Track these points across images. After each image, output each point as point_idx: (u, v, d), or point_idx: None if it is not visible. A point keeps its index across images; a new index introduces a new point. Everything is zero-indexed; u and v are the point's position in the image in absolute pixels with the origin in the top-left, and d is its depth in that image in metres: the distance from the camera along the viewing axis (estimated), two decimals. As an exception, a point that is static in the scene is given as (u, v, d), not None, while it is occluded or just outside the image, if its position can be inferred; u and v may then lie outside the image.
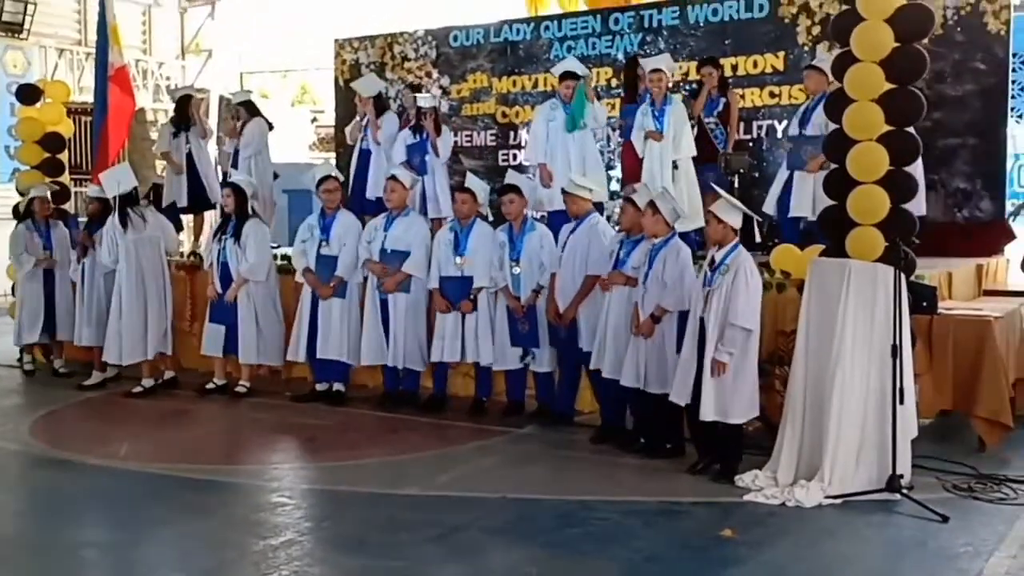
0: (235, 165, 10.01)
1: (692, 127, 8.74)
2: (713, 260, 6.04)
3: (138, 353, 8.60)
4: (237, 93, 10.90)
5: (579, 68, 8.82)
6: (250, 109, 10.25)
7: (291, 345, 8.39)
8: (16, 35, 16.49)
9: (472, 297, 7.69)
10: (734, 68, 9.93)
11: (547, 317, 7.40)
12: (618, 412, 6.92)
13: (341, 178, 8.60)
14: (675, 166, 8.46)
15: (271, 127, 10.30)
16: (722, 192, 6.48)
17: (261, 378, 8.88)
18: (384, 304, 8.03)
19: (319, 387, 8.42)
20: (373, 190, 9.12)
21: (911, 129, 5.94)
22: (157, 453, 6.95)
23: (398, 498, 5.82)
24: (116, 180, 8.59)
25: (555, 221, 8.27)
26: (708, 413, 5.95)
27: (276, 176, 10.47)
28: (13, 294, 10.55)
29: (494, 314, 7.72)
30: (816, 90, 8.15)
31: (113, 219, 8.53)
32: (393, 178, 8.15)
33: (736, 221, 6.07)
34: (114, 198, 8.53)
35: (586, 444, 6.90)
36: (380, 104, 9.56)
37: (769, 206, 8.44)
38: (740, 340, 5.90)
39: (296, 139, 22.58)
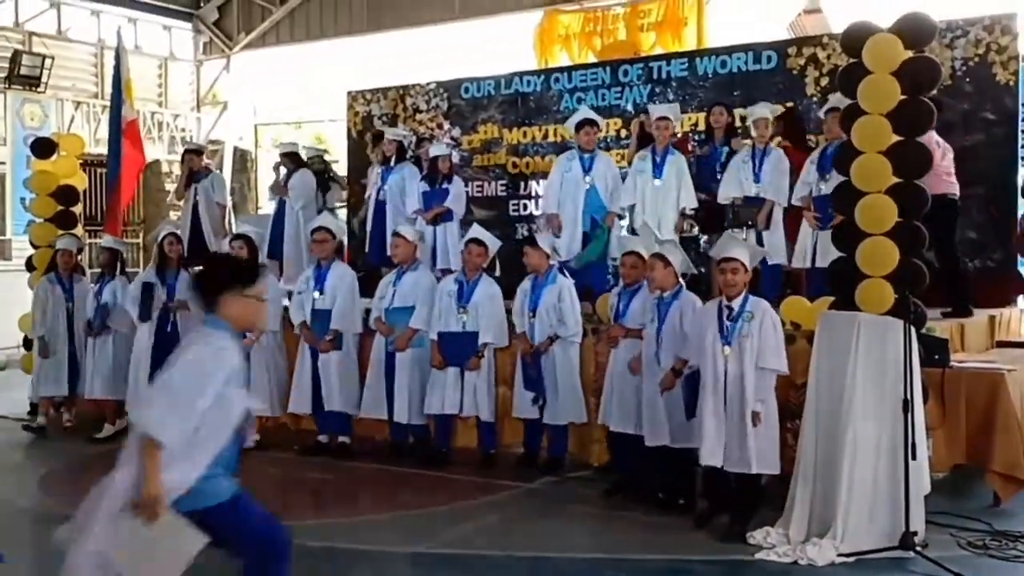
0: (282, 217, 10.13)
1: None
2: (731, 310, 5.94)
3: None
4: (284, 144, 10.98)
5: (595, 116, 8.85)
6: (295, 160, 10.35)
7: (292, 398, 8.37)
8: (33, 88, 16.69)
9: (480, 354, 7.66)
10: (743, 119, 9.94)
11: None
12: (630, 465, 6.84)
13: (335, 228, 8.63)
14: (683, 214, 8.48)
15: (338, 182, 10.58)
16: (737, 239, 6.48)
17: (269, 430, 8.85)
18: (390, 357, 7.99)
19: (321, 439, 8.38)
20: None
21: (920, 181, 5.92)
22: (163, 509, 6.88)
23: (404, 556, 5.76)
24: None
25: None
26: (753, 465, 5.81)
27: None
28: (25, 347, 10.58)
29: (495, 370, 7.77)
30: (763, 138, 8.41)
31: None
32: (396, 234, 8.18)
33: (748, 260, 6.03)
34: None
35: (596, 499, 6.82)
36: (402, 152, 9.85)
37: None
38: (769, 385, 5.87)
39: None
